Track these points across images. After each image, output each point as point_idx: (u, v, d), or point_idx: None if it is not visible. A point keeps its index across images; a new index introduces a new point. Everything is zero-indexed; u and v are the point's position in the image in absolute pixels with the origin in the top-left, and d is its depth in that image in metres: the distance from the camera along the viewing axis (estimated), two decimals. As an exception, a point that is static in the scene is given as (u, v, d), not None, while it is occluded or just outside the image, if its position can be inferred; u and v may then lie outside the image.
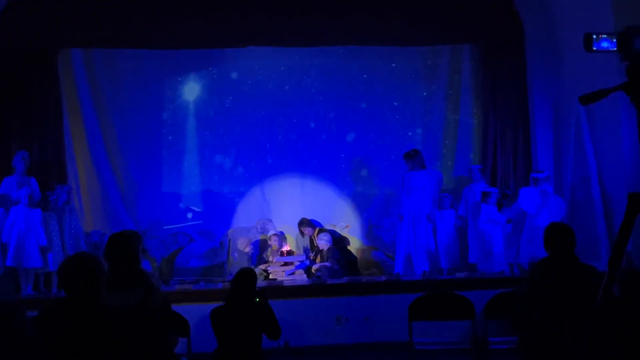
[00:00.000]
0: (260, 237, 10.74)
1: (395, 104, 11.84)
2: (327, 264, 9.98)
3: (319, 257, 10.20)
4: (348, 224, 11.37)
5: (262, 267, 10.13)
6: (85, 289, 3.80)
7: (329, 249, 10.12)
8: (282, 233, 10.62)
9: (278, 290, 8.81)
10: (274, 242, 10.38)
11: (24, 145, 10.25)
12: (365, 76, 11.79)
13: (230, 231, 11.15)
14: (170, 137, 11.65)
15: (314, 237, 10.46)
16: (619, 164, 9.08)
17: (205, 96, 11.73)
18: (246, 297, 6.02)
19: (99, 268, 3.87)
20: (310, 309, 8.42)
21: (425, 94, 11.87)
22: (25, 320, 5.59)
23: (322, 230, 10.49)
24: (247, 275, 6.19)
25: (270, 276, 9.98)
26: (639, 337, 4.50)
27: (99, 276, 3.84)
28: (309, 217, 10.77)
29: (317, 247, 10.33)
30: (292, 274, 10.00)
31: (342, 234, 10.89)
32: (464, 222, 10.13)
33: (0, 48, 10.37)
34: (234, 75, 11.74)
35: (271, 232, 10.54)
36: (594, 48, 3.26)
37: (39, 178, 9.95)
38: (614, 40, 3.23)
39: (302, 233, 10.70)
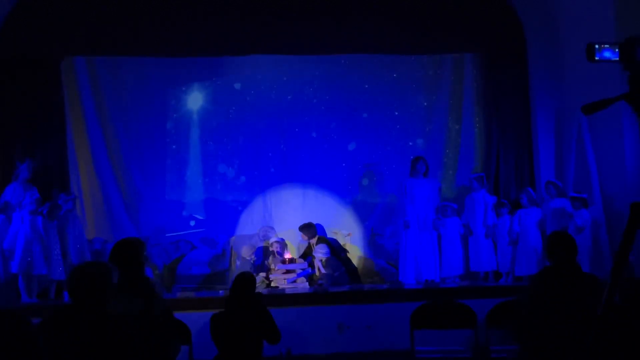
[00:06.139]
0: (263, 244, 10.74)
1: (397, 113, 11.88)
2: (327, 272, 9.99)
3: (317, 268, 10.20)
4: (350, 232, 11.38)
5: (264, 274, 10.13)
6: (88, 297, 3.82)
7: (327, 259, 10.13)
8: (282, 240, 10.63)
9: (280, 298, 8.81)
10: (275, 249, 10.39)
11: (27, 153, 10.24)
12: (366, 86, 11.83)
13: (232, 239, 11.17)
14: (173, 147, 11.69)
15: (312, 245, 10.45)
16: (621, 173, 9.09)
17: (209, 106, 11.78)
18: (245, 302, 6.02)
19: (105, 276, 3.89)
20: (312, 316, 8.40)
21: (426, 103, 11.90)
22: (30, 327, 5.61)
23: (321, 239, 10.48)
24: (245, 280, 6.19)
25: (272, 284, 9.98)
26: (641, 346, 4.51)
27: (104, 285, 3.85)
28: (315, 223, 10.76)
29: (313, 256, 10.32)
30: (294, 281, 10.01)
31: (342, 244, 10.90)
32: (467, 230, 10.13)
33: (4, 55, 10.41)
34: (237, 85, 11.79)
35: (272, 240, 10.55)
36: (596, 58, 3.27)
37: (41, 185, 9.95)
38: (617, 50, 3.24)
39: (304, 236, 10.66)
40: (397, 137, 11.84)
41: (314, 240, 10.47)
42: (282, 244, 10.49)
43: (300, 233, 10.66)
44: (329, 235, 11.03)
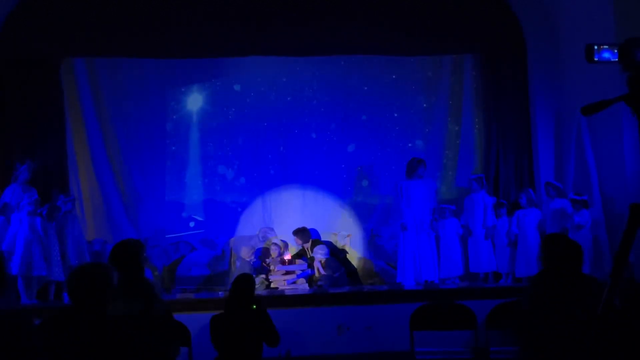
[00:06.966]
0: (263, 245, 10.74)
1: (396, 115, 11.88)
2: (326, 273, 9.99)
3: (317, 269, 10.20)
4: (349, 233, 11.38)
5: (264, 275, 10.12)
6: (88, 298, 3.81)
7: (327, 260, 10.13)
8: (282, 241, 10.62)
9: (279, 299, 8.80)
10: (272, 251, 10.39)
11: (27, 154, 10.23)
12: (365, 88, 11.83)
13: (232, 240, 11.16)
14: (173, 148, 11.69)
15: (308, 249, 10.45)
16: (621, 174, 9.08)
17: (209, 107, 11.79)
18: (244, 304, 6.03)
19: (105, 278, 3.89)
20: (311, 318, 8.39)
21: (425, 105, 11.90)
22: (32, 328, 5.58)
23: (317, 242, 10.48)
24: (244, 282, 6.19)
25: (272, 285, 9.98)
26: (640, 347, 4.50)
27: (104, 286, 3.85)
28: (310, 227, 10.76)
29: (312, 258, 10.32)
30: (294, 282, 10.00)
31: (340, 246, 10.89)
32: (466, 231, 10.13)
33: (3, 56, 10.41)
34: (236, 86, 11.79)
35: (272, 241, 10.55)
36: (595, 59, 3.27)
37: (40, 187, 9.94)
38: (615, 51, 3.24)
39: (298, 240, 10.66)
40: (396, 138, 11.84)
41: (308, 245, 10.47)
42: (282, 245, 10.49)
43: (294, 237, 10.65)
44: (328, 237, 11.02)
